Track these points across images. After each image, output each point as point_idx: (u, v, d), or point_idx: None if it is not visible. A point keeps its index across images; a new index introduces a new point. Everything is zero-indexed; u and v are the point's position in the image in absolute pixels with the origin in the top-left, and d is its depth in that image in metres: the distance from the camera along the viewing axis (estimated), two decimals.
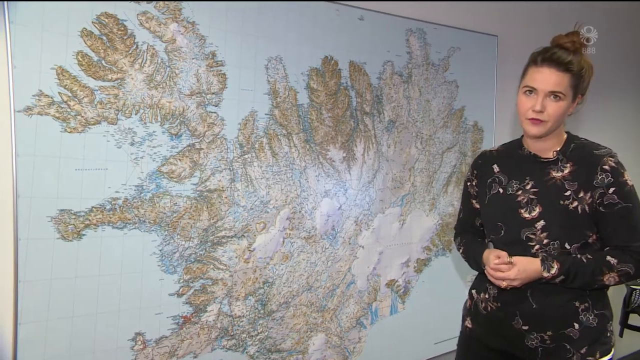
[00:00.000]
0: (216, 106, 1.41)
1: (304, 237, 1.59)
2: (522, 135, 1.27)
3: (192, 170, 1.38)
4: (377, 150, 1.73)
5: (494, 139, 2.04)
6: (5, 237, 1.15)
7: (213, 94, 1.41)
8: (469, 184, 1.36)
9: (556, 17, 2.33)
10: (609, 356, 1.17)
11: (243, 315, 1.49)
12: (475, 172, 1.34)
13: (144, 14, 1.29)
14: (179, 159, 1.36)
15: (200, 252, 1.40)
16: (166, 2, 1.32)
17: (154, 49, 1.31)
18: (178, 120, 1.35)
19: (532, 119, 1.14)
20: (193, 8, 1.36)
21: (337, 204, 1.65)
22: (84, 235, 1.23)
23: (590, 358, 1.14)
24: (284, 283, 1.56)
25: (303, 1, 1.55)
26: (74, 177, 1.22)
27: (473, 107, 1.99)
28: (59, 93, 1.19)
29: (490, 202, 1.27)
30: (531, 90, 1.15)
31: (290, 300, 1.58)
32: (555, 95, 1.13)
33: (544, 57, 1.15)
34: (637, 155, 2.80)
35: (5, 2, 1.12)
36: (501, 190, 1.25)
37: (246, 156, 1.47)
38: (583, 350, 1.14)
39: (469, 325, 1.32)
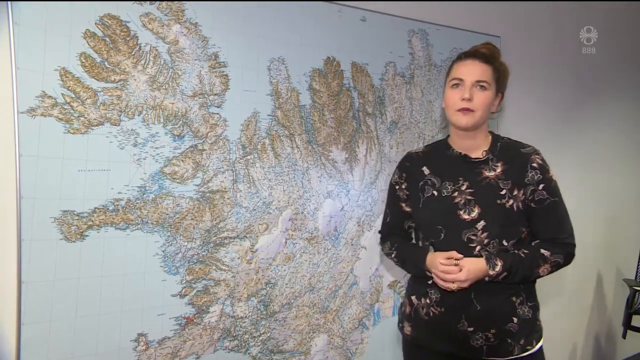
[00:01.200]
0: (219, 107, 1.41)
1: (307, 238, 1.59)
2: (448, 136, 1.31)
3: (195, 171, 1.38)
4: (379, 151, 1.74)
5: None
6: (8, 238, 1.15)
7: (215, 95, 1.41)
8: (397, 187, 1.35)
9: (557, 18, 2.34)
10: (542, 341, 1.24)
11: (245, 316, 1.49)
12: (403, 175, 1.33)
13: (147, 15, 1.29)
14: (182, 160, 1.36)
15: (203, 253, 1.40)
16: (169, 3, 1.32)
17: (156, 50, 1.31)
18: (181, 122, 1.36)
19: (462, 109, 1.19)
20: (195, 9, 1.36)
21: (339, 205, 1.66)
22: (86, 236, 1.23)
23: (529, 347, 1.20)
24: (287, 284, 1.56)
25: (305, 2, 1.55)
26: (77, 178, 1.22)
27: None
28: (62, 94, 1.19)
29: (425, 205, 1.26)
30: (458, 84, 1.21)
31: (292, 301, 1.58)
32: (481, 85, 1.19)
33: (467, 53, 1.25)
34: (636, 155, 2.80)
35: (9, 3, 1.12)
36: (436, 193, 1.25)
37: (248, 157, 1.47)
38: (522, 342, 1.19)
39: (409, 332, 1.30)
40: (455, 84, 1.21)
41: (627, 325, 2.33)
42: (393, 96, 1.77)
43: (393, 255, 1.36)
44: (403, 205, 1.35)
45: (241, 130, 1.45)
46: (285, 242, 1.55)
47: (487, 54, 1.22)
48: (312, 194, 1.60)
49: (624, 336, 2.36)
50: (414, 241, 1.40)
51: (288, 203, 1.55)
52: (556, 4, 2.31)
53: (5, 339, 1.16)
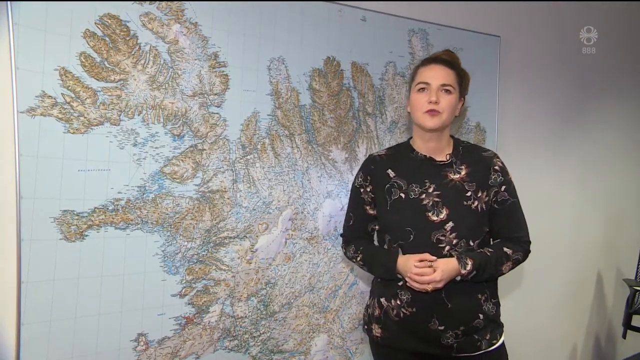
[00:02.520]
0: (219, 107, 1.41)
1: (307, 238, 1.59)
2: (410, 139, 1.35)
3: (195, 171, 1.38)
4: None
5: (497, 140, 2.04)
6: (8, 238, 1.15)
7: (215, 94, 1.41)
8: (362, 190, 1.35)
9: (558, 18, 2.34)
10: (504, 335, 1.29)
11: (245, 316, 1.49)
12: (368, 177, 1.34)
13: (147, 15, 1.29)
14: (182, 160, 1.36)
15: (203, 253, 1.40)
16: (169, 3, 1.32)
17: (156, 50, 1.31)
18: (180, 121, 1.35)
19: (429, 110, 1.22)
20: (195, 9, 1.36)
21: (339, 204, 1.65)
22: (86, 236, 1.23)
23: (494, 341, 1.26)
24: (286, 284, 1.56)
25: (305, 1, 1.55)
26: (77, 178, 1.22)
27: (475, 108, 1.99)
28: (62, 94, 1.19)
29: (393, 208, 1.28)
30: (424, 88, 1.25)
31: (292, 301, 1.58)
32: (445, 89, 1.24)
33: (430, 59, 1.29)
34: (636, 155, 2.80)
35: (9, 3, 1.12)
36: (403, 195, 1.27)
37: (248, 157, 1.47)
38: (488, 336, 1.25)
39: (378, 334, 1.31)
40: (422, 88, 1.25)
41: (627, 325, 2.33)
42: (393, 96, 1.77)
43: (358, 259, 1.36)
44: (367, 208, 1.35)
45: (241, 130, 1.45)
46: (285, 242, 1.55)
47: (449, 60, 1.28)
48: (312, 194, 1.60)
49: (624, 336, 2.36)
50: (376, 243, 1.41)
51: (288, 203, 1.55)
52: (556, 4, 2.30)
53: (5, 338, 1.16)
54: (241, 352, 1.49)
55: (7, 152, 1.15)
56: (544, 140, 2.33)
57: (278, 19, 1.51)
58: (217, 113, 1.41)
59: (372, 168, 1.34)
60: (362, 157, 1.70)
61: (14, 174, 1.15)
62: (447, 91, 1.24)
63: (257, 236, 1.49)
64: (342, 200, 1.66)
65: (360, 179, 1.36)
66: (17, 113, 1.14)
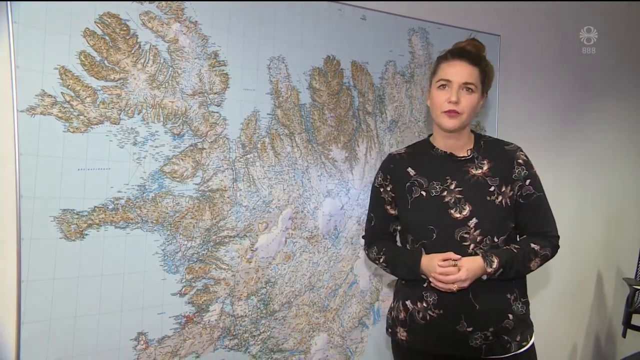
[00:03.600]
0: (218, 106, 1.41)
1: (306, 237, 1.59)
2: (429, 136, 1.32)
3: (195, 170, 1.38)
4: (379, 150, 1.73)
5: None
6: (8, 237, 1.15)
7: (215, 93, 1.41)
8: (382, 189, 1.32)
9: (558, 18, 2.34)
10: (534, 337, 1.26)
11: (245, 315, 1.49)
12: (388, 177, 1.31)
13: (147, 13, 1.29)
14: (182, 159, 1.36)
15: (203, 252, 1.40)
16: (168, 2, 1.32)
17: (156, 48, 1.31)
18: (180, 120, 1.35)
19: (449, 111, 1.18)
20: (195, 8, 1.36)
21: (339, 203, 1.65)
22: (86, 235, 1.23)
23: (524, 343, 1.21)
24: (286, 283, 1.56)
25: (305, 1, 1.55)
26: (77, 177, 1.22)
27: None
28: (62, 93, 1.19)
29: (414, 207, 1.25)
30: (445, 85, 1.20)
31: (292, 300, 1.58)
32: (468, 87, 1.18)
33: (454, 52, 1.22)
34: (636, 155, 2.80)
35: (8, 2, 1.12)
36: (424, 193, 1.24)
37: (248, 156, 1.47)
38: (518, 338, 1.20)
39: (404, 337, 1.27)
40: (442, 85, 1.20)
41: (627, 324, 2.33)
42: (393, 95, 1.77)
43: (381, 260, 1.32)
44: (388, 207, 1.33)
45: (241, 129, 1.45)
46: (285, 241, 1.55)
47: (474, 54, 1.21)
48: (312, 193, 1.60)
49: (624, 335, 2.36)
50: (399, 244, 1.38)
51: (288, 202, 1.55)
52: (556, 4, 2.30)
53: (5, 337, 1.16)
54: (241, 351, 1.49)
55: (7, 151, 1.15)
56: (544, 140, 2.33)
57: (278, 19, 1.51)
58: (217, 112, 1.41)
59: (392, 167, 1.31)
60: (362, 156, 1.70)
61: (14, 173, 1.14)
62: (469, 90, 1.18)
63: (257, 235, 1.49)
64: (342, 200, 1.66)
65: (380, 179, 1.33)
66: (17, 112, 1.14)
